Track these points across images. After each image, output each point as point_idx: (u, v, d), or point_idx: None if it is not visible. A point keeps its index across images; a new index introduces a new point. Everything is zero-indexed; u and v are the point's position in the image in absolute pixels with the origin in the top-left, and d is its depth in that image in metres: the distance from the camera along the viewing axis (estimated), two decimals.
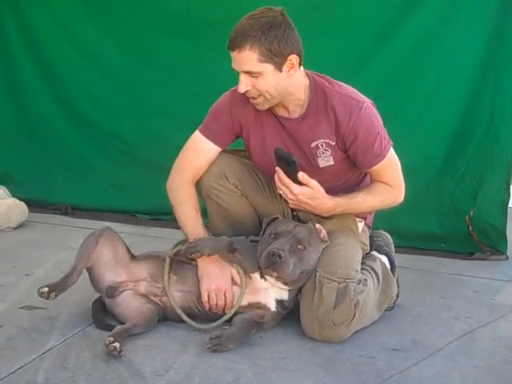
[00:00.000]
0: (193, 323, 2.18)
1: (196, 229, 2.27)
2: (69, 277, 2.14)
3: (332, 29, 3.53)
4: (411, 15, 3.45)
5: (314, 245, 2.19)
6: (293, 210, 2.38)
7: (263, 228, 2.25)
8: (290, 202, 2.21)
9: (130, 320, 2.13)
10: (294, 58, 2.13)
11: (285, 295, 2.21)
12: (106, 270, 2.23)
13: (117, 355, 1.92)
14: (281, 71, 2.13)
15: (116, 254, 2.26)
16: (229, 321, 2.18)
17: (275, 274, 2.11)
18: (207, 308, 2.22)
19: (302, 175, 2.13)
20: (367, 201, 2.29)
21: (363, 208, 2.34)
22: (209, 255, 2.19)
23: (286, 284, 2.18)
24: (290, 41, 2.10)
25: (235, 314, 2.19)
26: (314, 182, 2.16)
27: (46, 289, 2.04)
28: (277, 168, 2.17)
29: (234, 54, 2.12)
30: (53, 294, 2.04)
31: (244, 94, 2.19)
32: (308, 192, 2.16)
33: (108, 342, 1.92)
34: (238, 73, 2.15)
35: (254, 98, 2.20)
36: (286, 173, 2.15)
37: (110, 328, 2.08)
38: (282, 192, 2.20)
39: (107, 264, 2.23)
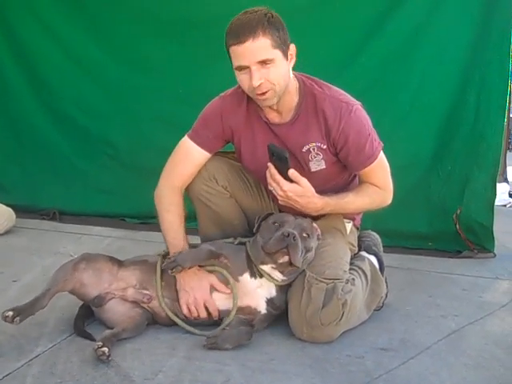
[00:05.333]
0: (190, 328, 2.18)
1: (176, 238, 2.28)
2: (39, 299, 2.06)
3: (317, 29, 3.54)
4: (395, 14, 3.47)
5: (313, 236, 2.19)
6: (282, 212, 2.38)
7: (257, 223, 2.23)
8: (279, 198, 2.19)
9: (118, 325, 2.12)
10: (292, 48, 2.14)
11: (273, 291, 2.20)
12: (89, 290, 2.19)
13: (105, 360, 1.91)
14: (287, 59, 2.13)
15: (100, 276, 2.21)
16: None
17: (286, 257, 2.09)
18: (191, 318, 2.22)
19: (292, 172, 2.12)
20: (356, 202, 2.30)
21: (352, 208, 2.35)
22: (190, 268, 2.18)
23: (282, 273, 2.16)
24: (286, 31, 2.12)
25: (222, 318, 2.20)
26: (304, 181, 2.15)
27: (11, 313, 1.94)
28: (269, 164, 2.16)
29: (244, 46, 2.04)
30: (17, 319, 1.93)
31: (253, 89, 2.11)
32: (298, 190, 2.14)
33: (97, 347, 1.92)
34: (243, 69, 2.08)
35: (263, 94, 2.14)
36: (277, 169, 2.14)
37: (89, 337, 2.09)
38: (272, 188, 2.18)
39: (90, 286, 2.19)
